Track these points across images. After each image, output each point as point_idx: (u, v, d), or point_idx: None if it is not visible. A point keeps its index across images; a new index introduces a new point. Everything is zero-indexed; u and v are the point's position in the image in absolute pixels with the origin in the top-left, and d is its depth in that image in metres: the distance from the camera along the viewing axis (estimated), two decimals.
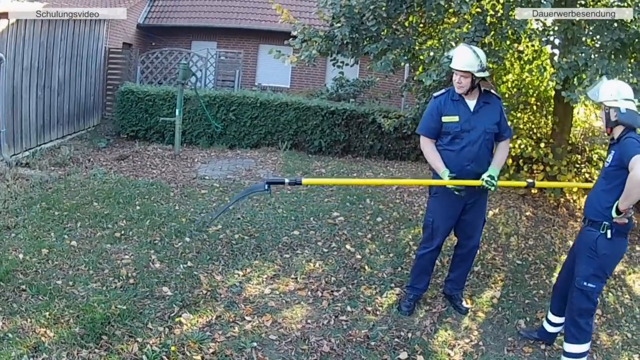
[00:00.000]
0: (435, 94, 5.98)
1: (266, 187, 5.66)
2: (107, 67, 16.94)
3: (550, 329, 5.71)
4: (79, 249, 6.53)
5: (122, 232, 7.13)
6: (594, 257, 4.97)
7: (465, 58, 5.54)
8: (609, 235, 4.87)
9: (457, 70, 5.57)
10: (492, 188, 5.56)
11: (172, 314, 5.24)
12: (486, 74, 5.69)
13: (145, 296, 5.52)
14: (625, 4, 7.70)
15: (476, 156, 5.61)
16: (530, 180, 5.99)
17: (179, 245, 6.87)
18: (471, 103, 5.72)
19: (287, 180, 5.69)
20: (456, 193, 5.58)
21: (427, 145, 5.82)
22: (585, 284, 5.02)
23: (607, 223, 4.85)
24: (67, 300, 5.28)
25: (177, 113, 11.90)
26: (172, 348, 4.66)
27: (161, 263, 6.32)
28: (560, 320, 5.59)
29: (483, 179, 5.54)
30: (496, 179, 5.60)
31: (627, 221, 4.86)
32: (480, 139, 5.65)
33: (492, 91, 6.00)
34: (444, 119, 5.68)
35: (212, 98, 13.55)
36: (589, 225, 5.05)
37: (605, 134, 12.85)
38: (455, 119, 5.65)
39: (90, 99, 15.38)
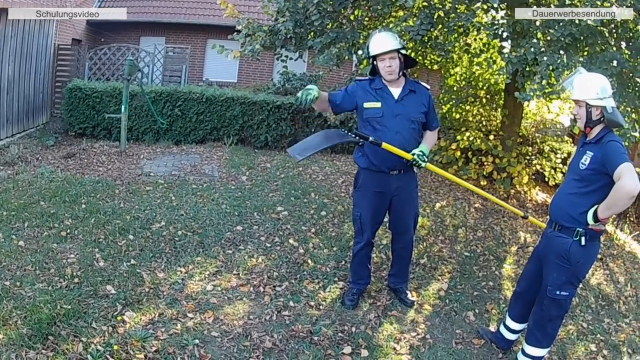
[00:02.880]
0: (358, 78, 5.88)
1: (354, 136, 5.43)
2: (56, 64, 16.58)
3: (508, 335, 5.52)
4: (26, 249, 6.43)
5: (68, 231, 7.05)
6: (566, 266, 4.69)
7: (388, 39, 5.42)
8: (583, 242, 4.59)
9: (385, 53, 5.39)
10: (423, 164, 5.40)
11: (116, 313, 5.19)
12: (405, 50, 5.57)
13: (89, 295, 5.45)
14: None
15: (400, 145, 5.40)
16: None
17: (123, 243, 6.81)
18: (395, 91, 5.57)
19: (370, 139, 5.32)
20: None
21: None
22: (558, 292, 4.76)
23: (580, 229, 4.58)
24: (15, 301, 5.20)
25: (123, 109, 11.77)
26: (115, 347, 4.62)
27: (105, 261, 6.26)
28: (521, 327, 5.42)
29: (414, 154, 5.38)
30: (427, 157, 5.47)
31: (603, 228, 4.64)
32: (405, 128, 5.51)
33: (421, 82, 5.86)
34: (366, 104, 5.54)
35: (158, 94, 13.39)
36: (559, 231, 4.77)
37: (565, 129, 13.12)
38: (378, 104, 5.51)
39: (39, 96, 15.10)
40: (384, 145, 5.28)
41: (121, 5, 22.25)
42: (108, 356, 4.55)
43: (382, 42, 5.41)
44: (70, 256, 6.31)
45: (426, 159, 5.45)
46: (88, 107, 13.35)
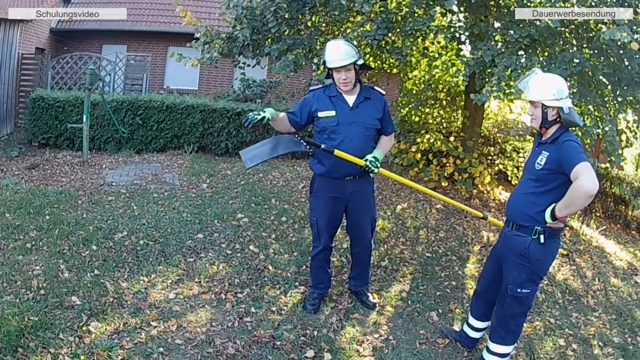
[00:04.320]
0: (311, 88, 5.84)
1: (305, 145, 5.50)
2: (20, 73, 16.36)
3: (473, 334, 5.54)
4: None
5: (33, 242, 7.04)
6: (526, 264, 4.69)
7: (343, 51, 5.36)
8: (541, 240, 4.59)
9: (340, 67, 5.37)
10: (376, 170, 5.45)
11: (82, 323, 5.21)
12: (362, 60, 5.53)
13: (55, 306, 5.47)
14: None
15: (356, 151, 5.42)
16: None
17: (87, 253, 6.81)
18: (350, 98, 5.57)
19: (322, 146, 5.38)
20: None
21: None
22: (519, 290, 4.76)
23: (539, 228, 4.59)
24: None
25: (84, 119, 11.71)
26: (82, 357, 4.66)
27: (70, 272, 6.26)
28: (484, 325, 5.43)
29: (366, 159, 5.42)
30: (380, 162, 5.50)
31: (562, 225, 4.64)
32: (361, 135, 5.51)
33: (377, 88, 5.85)
34: (320, 114, 5.54)
35: (119, 102, 13.30)
36: (517, 230, 4.77)
37: (523, 129, 13.28)
38: (332, 113, 5.51)
39: (3, 106, 14.94)
40: (337, 152, 5.35)
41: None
42: None
43: (338, 55, 5.36)
44: (36, 268, 6.31)
45: (379, 165, 5.48)
46: (51, 117, 13.24)
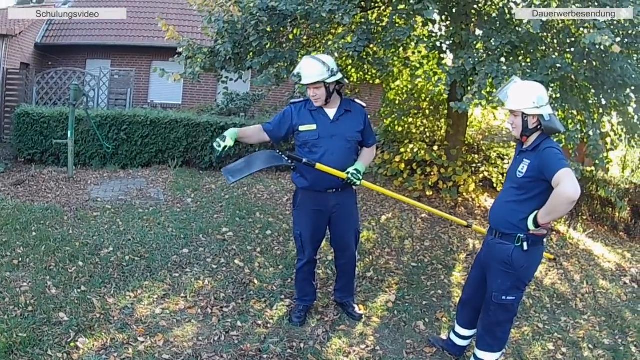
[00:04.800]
0: (292, 101, 5.86)
1: (287, 159, 5.53)
2: (5, 88, 16.35)
3: (459, 342, 5.54)
4: None
5: (20, 259, 7.03)
6: (510, 272, 4.69)
7: (313, 70, 5.36)
8: (525, 248, 4.60)
9: (308, 85, 5.41)
10: (358, 182, 5.48)
11: (69, 340, 5.22)
12: (339, 76, 5.50)
13: (43, 323, 5.47)
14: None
15: (337, 165, 5.45)
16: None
17: (73, 270, 6.81)
18: (331, 112, 5.60)
19: (304, 160, 5.40)
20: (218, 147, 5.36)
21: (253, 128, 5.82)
22: (504, 298, 4.76)
23: (522, 235, 4.59)
24: None
25: (69, 135, 11.69)
26: None
27: (57, 289, 6.26)
28: (471, 332, 5.44)
29: (348, 172, 5.45)
30: (362, 174, 5.53)
31: (545, 232, 4.64)
32: (342, 148, 5.54)
33: (357, 100, 5.87)
34: (301, 128, 5.56)
35: (103, 118, 13.29)
36: (500, 238, 4.77)
37: (509, 136, 13.29)
38: (313, 127, 5.53)
39: None
40: (318, 166, 5.37)
41: (68, 27, 22.17)
42: None
43: (306, 72, 5.38)
44: (23, 284, 6.30)
45: (361, 177, 5.52)
46: (36, 133, 13.22)
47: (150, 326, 5.68)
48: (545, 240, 4.93)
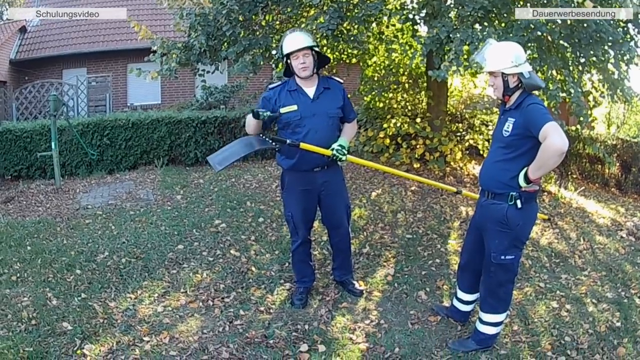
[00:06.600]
0: (270, 86, 5.84)
1: (271, 142, 5.54)
2: None
3: (463, 307, 5.56)
4: None
5: (18, 274, 6.96)
6: (506, 231, 4.70)
7: (300, 37, 5.43)
8: (519, 205, 4.61)
9: (298, 50, 5.40)
10: (343, 157, 5.51)
11: (76, 348, 5.18)
12: (318, 48, 5.62)
13: (48, 334, 5.43)
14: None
15: (321, 142, 5.48)
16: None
17: (72, 278, 6.76)
18: (310, 91, 5.61)
19: (288, 141, 5.42)
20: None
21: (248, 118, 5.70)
22: (503, 257, 4.78)
23: (514, 193, 4.61)
24: None
25: (53, 146, 11.58)
26: None
27: (57, 299, 6.21)
28: (473, 297, 5.45)
29: (333, 148, 5.47)
30: (346, 149, 5.55)
31: (537, 188, 4.67)
32: (325, 125, 5.56)
33: (334, 77, 5.90)
34: (282, 110, 5.53)
35: (85, 125, 13.17)
36: (493, 199, 4.78)
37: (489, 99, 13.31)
38: (294, 107, 5.51)
39: None
40: (302, 145, 5.38)
41: (41, 40, 22.00)
42: None
43: (295, 40, 5.42)
44: (24, 299, 6.24)
45: (346, 152, 5.54)
46: (20, 149, 13.11)
47: (154, 325, 5.66)
48: (537, 196, 4.93)
